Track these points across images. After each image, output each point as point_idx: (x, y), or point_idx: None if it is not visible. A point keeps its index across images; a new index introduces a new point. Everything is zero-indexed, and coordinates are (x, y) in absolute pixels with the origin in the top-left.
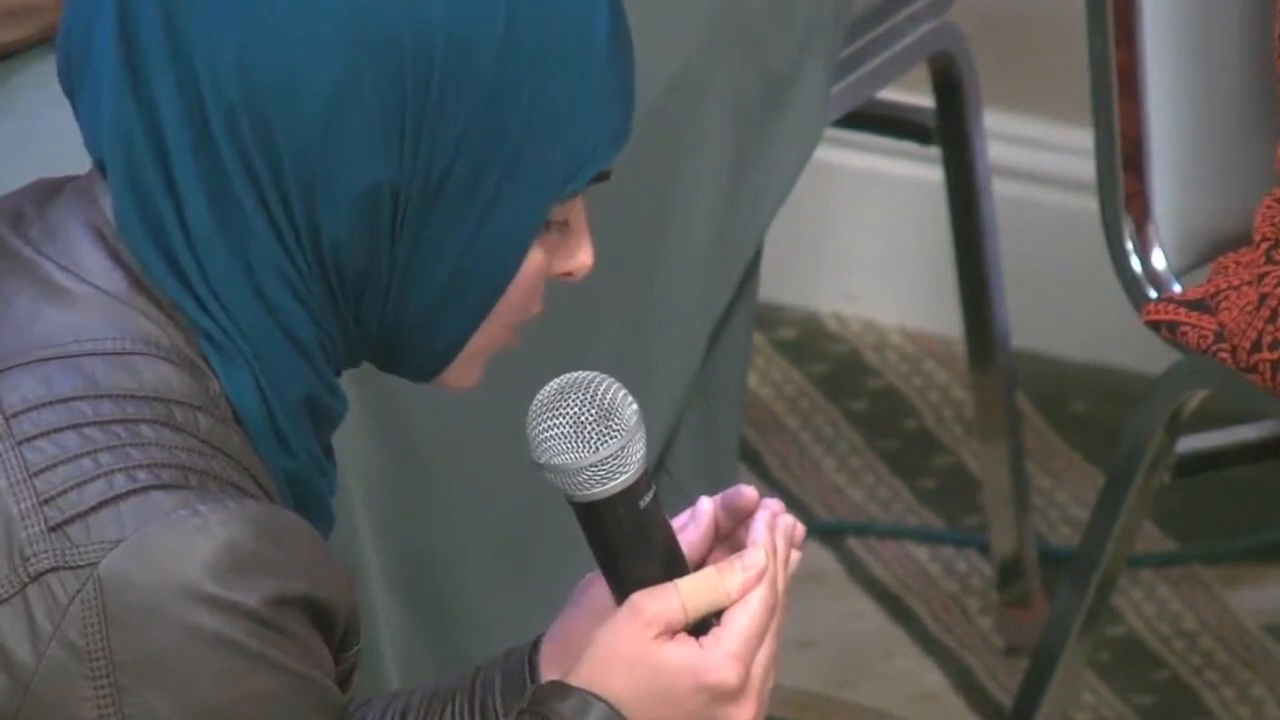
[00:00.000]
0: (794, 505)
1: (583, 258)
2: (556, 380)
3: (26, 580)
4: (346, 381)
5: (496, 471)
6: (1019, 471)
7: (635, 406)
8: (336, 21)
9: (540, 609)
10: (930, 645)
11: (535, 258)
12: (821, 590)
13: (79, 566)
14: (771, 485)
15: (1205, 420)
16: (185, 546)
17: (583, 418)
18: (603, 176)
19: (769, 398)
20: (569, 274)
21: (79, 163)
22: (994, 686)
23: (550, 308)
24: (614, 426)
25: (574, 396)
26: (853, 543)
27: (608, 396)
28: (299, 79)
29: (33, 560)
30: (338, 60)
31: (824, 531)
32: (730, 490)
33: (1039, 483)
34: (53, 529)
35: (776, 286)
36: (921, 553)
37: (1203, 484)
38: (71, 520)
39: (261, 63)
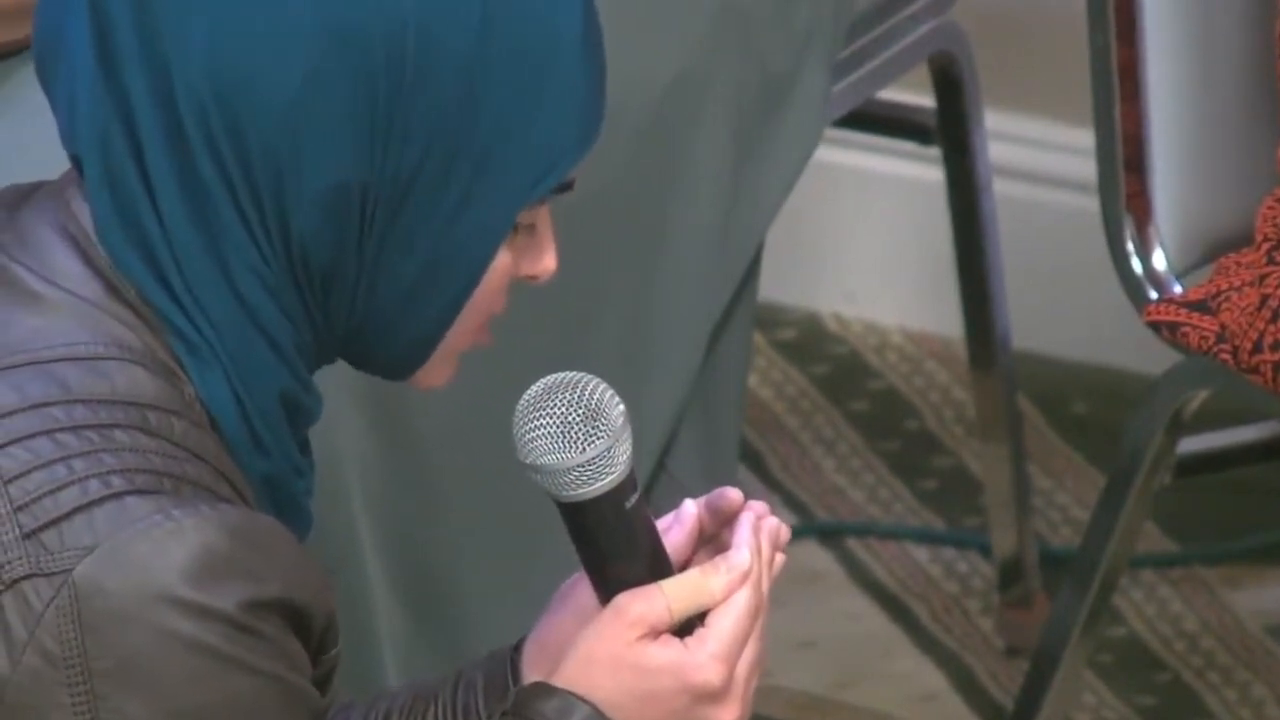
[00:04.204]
0: (794, 506)
1: (547, 262)
2: (543, 380)
3: (0, 588)
4: (347, 381)
5: (497, 472)
6: (1020, 472)
7: (622, 407)
8: (306, 15)
9: (541, 604)
10: (931, 646)
11: (502, 260)
12: (822, 591)
13: (53, 573)
14: (772, 486)
15: (1206, 421)
16: (160, 552)
17: (570, 418)
18: (566, 187)
19: (769, 398)
20: (533, 277)
21: None
22: (995, 688)
23: (552, 309)
24: (601, 427)
25: (561, 396)
26: (853, 544)
27: (594, 397)
28: (268, 72)
29: (6, 568)
30: (307, 54)
31: (824, 532)
32: (714, 492)
33: (1040, 484)
34: (27, 536)
35: (776, 286)
36: (922, 554)
37: (1204, 485)
38: (45, 527)
39: (231, 56)
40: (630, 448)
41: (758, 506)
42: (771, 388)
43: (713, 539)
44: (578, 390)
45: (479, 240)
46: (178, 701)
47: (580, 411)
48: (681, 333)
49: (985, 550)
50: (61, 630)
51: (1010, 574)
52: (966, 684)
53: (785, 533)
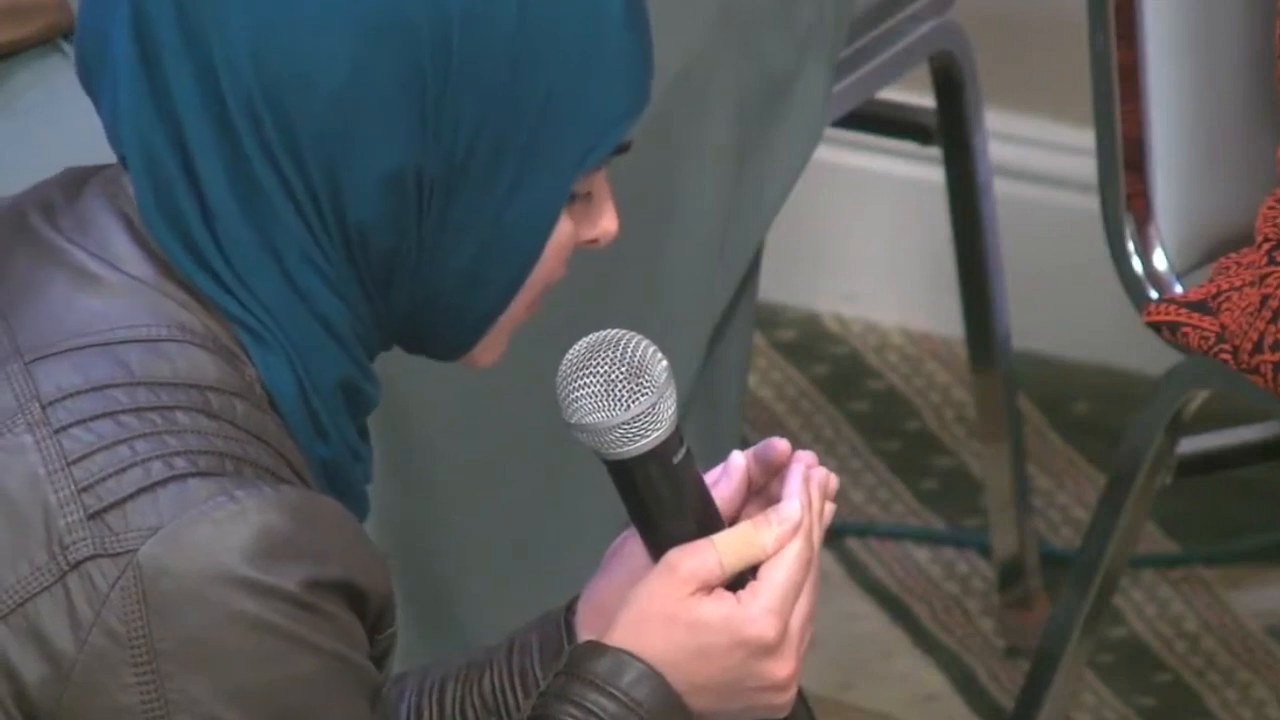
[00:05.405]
0: None
1: (607, 224)
2: (585, 339)
3: (66, 568)
4: None
5: (497, 468)
6: (1020, 472)
7: (665, 363)
8: (350, 5)
9: (542, 604)
10: (931, 647)
11: (563, 228)
12: (822, 591)
13: (118, 554)
14: None
15: (1207, 421)
16: (222, 533)
17: (613, 375)
18: (624, 148)
19: (769, 399)
20: (594, 241)
21: (78, 161)
22: (995, 688)
23: (551, 309)
24: (645, 383)
25: (604, 355)
26: (853, 544)
27: (637, 353)
28: (314, 64)
29: (72, 548)
30: (353, 44)
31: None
32: (762, 443)
33: (1040, 484)
34: (91, 517)
35: (776, 287)
36: (922, 554)
37: (1204, 485)
38: (110, 508)
39: (276, 50)
40: (674, 404)
41: (806, 456)
42: (771, 388)
43: (761, 491)
44: (620, 348)
45: (536, 214)
46: (242, 680)
47: (624, 369)
48: (682, 333)
49: (985, 550)
50: (127, 610)
51: (1010, 574)
52: (967, 684)
53: (834, 482)
